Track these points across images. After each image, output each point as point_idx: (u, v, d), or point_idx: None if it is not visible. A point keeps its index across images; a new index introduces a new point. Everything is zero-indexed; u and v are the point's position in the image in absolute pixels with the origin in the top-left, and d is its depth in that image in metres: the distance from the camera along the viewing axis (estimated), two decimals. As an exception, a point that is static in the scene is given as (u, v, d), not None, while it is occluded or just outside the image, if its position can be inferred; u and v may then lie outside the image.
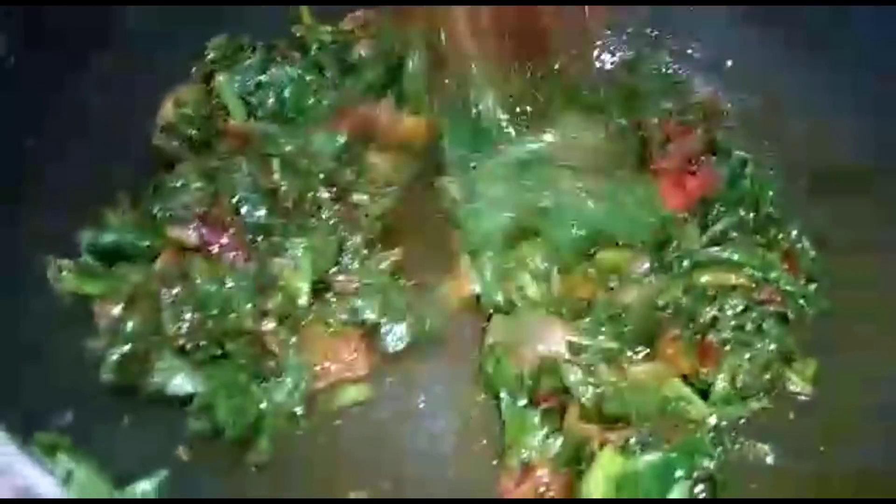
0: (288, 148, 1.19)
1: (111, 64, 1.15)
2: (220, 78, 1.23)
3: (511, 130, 1.22)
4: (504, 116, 1.22)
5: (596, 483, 0.89)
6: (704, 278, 1.07)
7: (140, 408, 1.00)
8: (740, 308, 1.05)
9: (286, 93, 1.26)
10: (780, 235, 1.16)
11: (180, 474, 0.91)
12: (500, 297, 1.13)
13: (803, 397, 1.05)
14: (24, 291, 1.01)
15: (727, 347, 1.02)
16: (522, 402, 1.04)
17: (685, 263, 1.09)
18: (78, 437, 0.87)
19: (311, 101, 1.26)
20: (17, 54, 1.02)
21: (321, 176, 1.18)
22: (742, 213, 1.17)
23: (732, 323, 1.04)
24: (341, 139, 1.21)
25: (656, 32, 1.35)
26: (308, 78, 1.26)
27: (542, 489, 0.95)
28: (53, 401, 0.93)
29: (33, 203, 1.04)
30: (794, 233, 1.16)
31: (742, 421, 1.02)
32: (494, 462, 1.03)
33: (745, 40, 1.28)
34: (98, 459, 0.84)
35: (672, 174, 1.19)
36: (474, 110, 1.22)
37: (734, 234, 1.14)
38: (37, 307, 1.01)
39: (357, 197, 1.22)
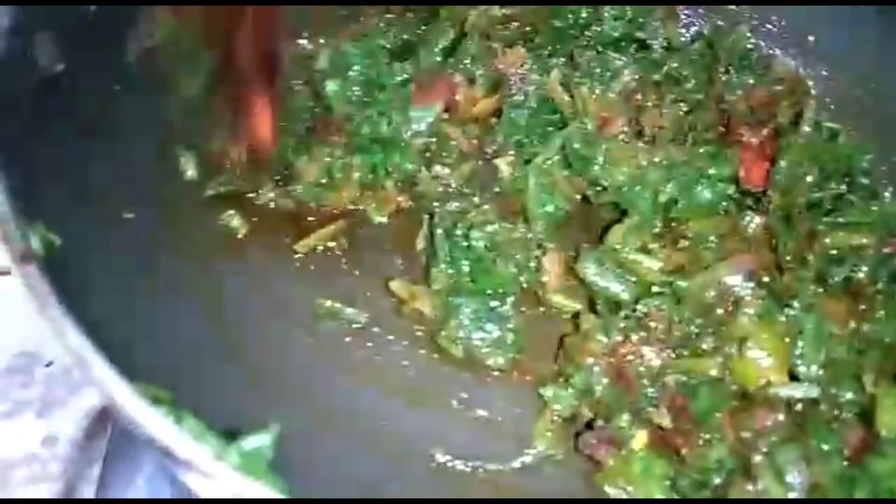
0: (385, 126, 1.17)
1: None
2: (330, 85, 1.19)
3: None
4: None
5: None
6: (826, 240, 1.03)
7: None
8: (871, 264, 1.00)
9: (357, 69, 1.21)
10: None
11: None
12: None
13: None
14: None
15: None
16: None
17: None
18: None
19: (385, 76, 1.22)
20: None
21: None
22: (833, 185, 1.12)
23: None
24: (438, 108, 1.19)
25: (733, 7, 1.31)
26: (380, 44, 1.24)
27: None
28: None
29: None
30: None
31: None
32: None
33: (830, 14, 1.23)
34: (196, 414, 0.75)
35: (757, 146, 1.15)
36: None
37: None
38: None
39: (438, 169, 1.20)
